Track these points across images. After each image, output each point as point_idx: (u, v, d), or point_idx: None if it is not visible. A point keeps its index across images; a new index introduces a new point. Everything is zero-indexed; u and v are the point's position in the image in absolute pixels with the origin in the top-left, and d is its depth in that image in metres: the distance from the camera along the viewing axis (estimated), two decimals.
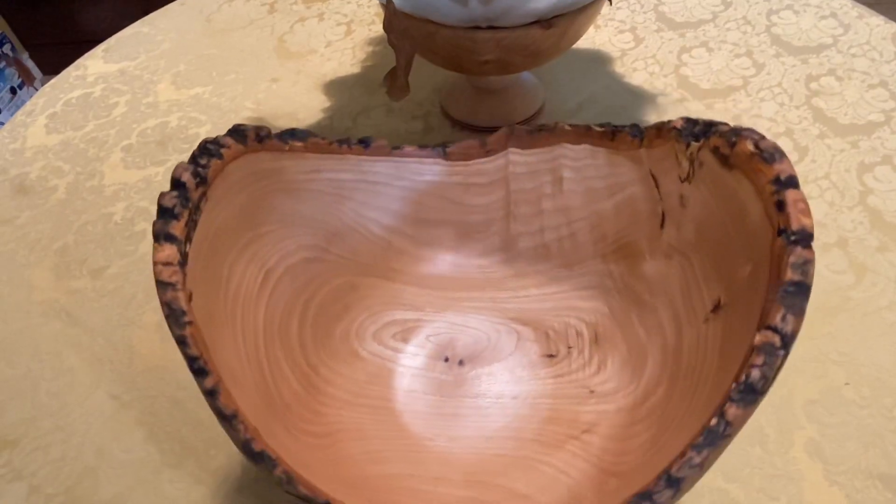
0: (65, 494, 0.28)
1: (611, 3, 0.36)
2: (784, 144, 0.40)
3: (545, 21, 0.32)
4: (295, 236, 0.28)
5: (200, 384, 0.18)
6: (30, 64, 1.35)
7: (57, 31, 1.38)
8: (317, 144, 0.27)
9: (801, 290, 0.17)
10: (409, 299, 0.31)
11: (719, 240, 0.23)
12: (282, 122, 0.45)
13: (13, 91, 1.28)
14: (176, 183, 0.21)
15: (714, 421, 0.17)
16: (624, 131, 0.26)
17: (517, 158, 0.28)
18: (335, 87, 0.48)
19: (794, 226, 0.18)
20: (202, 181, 0.22)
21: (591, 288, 0.29)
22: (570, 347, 0.29)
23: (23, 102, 1.29)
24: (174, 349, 0.33)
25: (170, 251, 0.20)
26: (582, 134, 0.27)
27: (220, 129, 0.45)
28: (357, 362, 0.29)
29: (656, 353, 0.25)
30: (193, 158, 0.22)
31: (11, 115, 1.26)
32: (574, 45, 0.48)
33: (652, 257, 0.27)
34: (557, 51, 0.35)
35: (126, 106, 0.48)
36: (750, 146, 0.20)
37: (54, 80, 0.52)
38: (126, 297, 0.36)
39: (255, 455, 0.18)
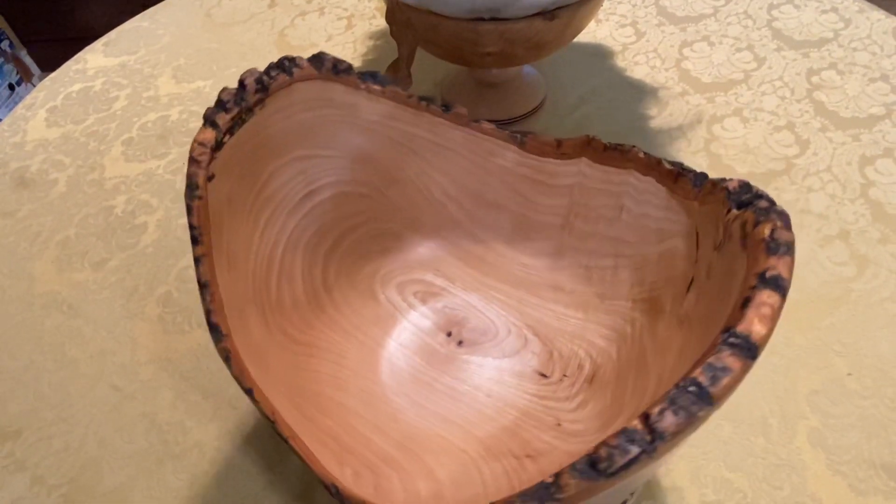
0: (68, 485, 0.28)
1: None
2: (785, 138, 0.40)
3: (548, 13, 0.32)
4: (353, 168, 0.29)
5: (193, 251, 0.22)
6: (28, 60, 1.34)
7: (55, 27, 1.38)
8: (395, 93, 0.27)
9: (700, 396, 0.15)
10: (445, 268, 0.31)
11: (717, 321, 0.21)
12: None
13: (11, 87, 1.27)
14: (240, 83, 0.23)
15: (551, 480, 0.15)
16: (688, 176, 0.23)
17: (588, 171, 0.27)
18: None
19: (741, 328, 0.16)
20: (263, 89, 0.24)
21: (612, 329, 0.28)
22: (564, 375, 0.28)
23: (21, 99, 1.29)
24: (177, 341, 0.33)
25: (209, 135, 0.22)
26: (652, 165, 0.25)
27: None
28: (370, 302, 0.30)
29: (629, 415, 0.24)
30: (267, 68, 0.24)
31: (10, 111, 1.25)
32: (575, 40, 0.48)
33: (669, 319, 0.25)
34: (560, 43, 0.35)
35: (126, 100, 0.48)
36: (766, 232, 0.18)
37: (54, 74, 0.52)
38: (128, 289, 0.36)
39: (210, 324, 0.21)
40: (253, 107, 0.24)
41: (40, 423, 0.31)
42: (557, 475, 0.15)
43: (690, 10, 0.50)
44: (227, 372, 0.32)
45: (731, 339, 0.16)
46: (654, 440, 0.14)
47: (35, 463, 0.29)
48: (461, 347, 0.29)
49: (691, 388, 0.15)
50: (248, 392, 0.20)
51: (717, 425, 0.28)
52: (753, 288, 0.17)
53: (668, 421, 0.14)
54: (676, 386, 0.15)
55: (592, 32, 0.49)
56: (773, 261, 0.17)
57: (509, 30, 0.32)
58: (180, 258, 0.37)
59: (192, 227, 0.21)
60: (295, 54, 0.50)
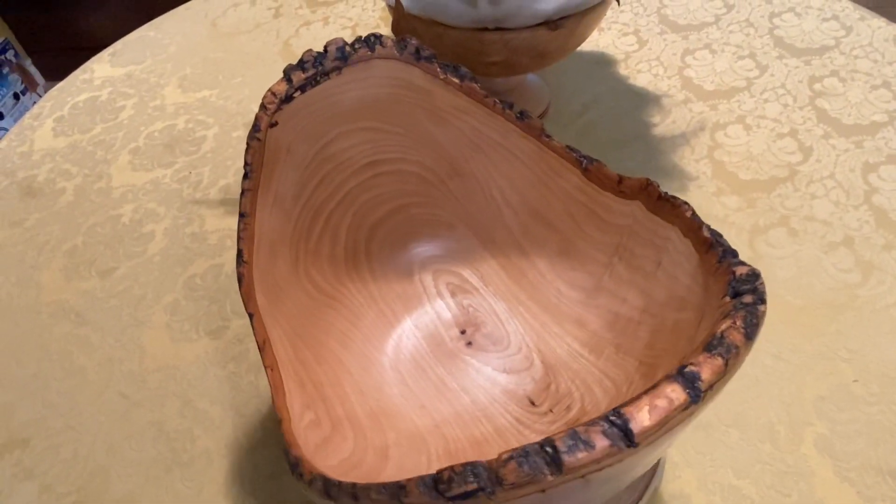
0: (76, 493, 0.29)
1: (619, 4, 0.37)
2: (788, 145, 0.40)
3: (552, 22, 0.32)
4: (420, 151, 0.29)
5: (242, 184, 0.24)
6: (32, 70, 1.35)
7: (60, 37, 1.39)
8: (472, 90, 0.27)
9: (552, 460, 0.14)
10: (484, 269, 0.31)
11: None
12: None
13: (16, 97, 1.28)
14: (324, 49, 0.25)
15: None
16: (717, 249, 0.21)
17: (640, 216, 0.26)
18: None
19: (627, 411, 0.15)
20: (342, 58, 0.25)
21: (613, 382, 0.27)
22: (550, 410, 0.27)
23: (25, 108, 1.29)
24: (184, 349, 0.33)
25: (281, 87, 0.24)
26: (693, 229, 0.23)
27: (227, 131, 0.46)
28: (405, 279, 0.31)
29: None
30: (353, 41, 0.26)
31: (14, 120, 1.26)
32: (579, 48, 0.49)
33: None
34: (564, 52, 0.35)
35: (133, 109, 0.49)
36: (720, 327, 0.17)
37: (61, 84, 0.52)
38: (135, 297, 0.36)
39: (238, 249, 0.24)
40: (329, 72, 0.25)
41: (48, 432, 0.31)
42: (409, 481, 0.15)
43: (692, 19, 0.50)
44: (234, 379, 0.32)
45: (613, 418, 0.14)
46: (494, 484, 0.14)
47: (43, 471, 0.29)
48: (468, 348, 0.29)
49: (547, 449, 0.14)
50: (250, 316, 0.23)
51: (724, 432, 0.28)
52: (669, 377, 0.15)
53: (511, 470, 0.14)
54: (540, 442, 0.14)
55: (595, 41, 0.49)
56: (702, 357, 0.16)
57: (513, 39, 0.32)
58: (187, 266, 0.37)
59: (246, 163, 0.24)
60: None
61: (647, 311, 0.26)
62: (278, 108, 0.25)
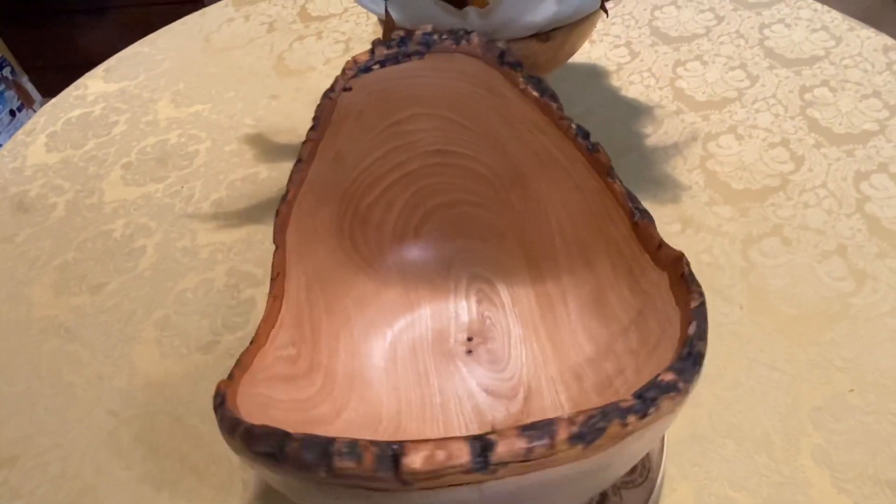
0: None
1: (606, 15, 0.37)
2: (780, 154, 0.40)
3: (543, 34, 0.32)
4: (490, 154, 0.29)
5: (307, 135, 0.26)
6: (29, 87, 1.35)
7: (56, 54, 1.39)
8: (549, 108, 0.26)
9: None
10: (518, 290, 0.31)
11: None
12: (282, 138, 0.46)
13: (12, 114, 1.28)
14: (409, 32, 0.26)
15: None
16: (685, 351, 0.18)
17: (663, 289, 0.24)
18: None
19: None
20: (426, 44, 0.26)
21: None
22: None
23: (22, 125, 1.30)
24: (174, 365, 0.33)
25: (363, 57, 0.26)
26: (687, 322, 0.21)
27: (220, 145, 0.46)
28: (441, 271, 0.31)
29: None
30: (442, 31, 0.26)
31: (11, 137, 1.26)
32: (571, 60, 0.49)
33: None
34: (555, 63, 0.35)
35: (126, 124, 0.49)
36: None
37: (55, 100, 0.52)
38: (126, 312, 0.36)
39: (287, 188, 0.25)
40: (411, 54, 0.26)
41: (36, 450, 0.30)
42: (295, 437, 0.15)
43: (683, 31, 0.50)
44: None
45: (393, 447, 0.14)
46: (326, 459, 0.14)
47: (30, 490, 0.29)
48: (467, 355, 0.29)
49: (358, 450, 0.14)
50: (276, 247, 0.24)
51: (720, 444, 0.28)
52: (467, 438, 0.14)
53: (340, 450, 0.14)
54: (372, 441, 0.14)
55: (587, 53, 0.49)
56: (514, 432, 0.14)
57: None
58: (178, 281, 0.37)
59: (315, 117, 0.26)
60: (293, 77, 0.51)
61: (632, 391, 0.25)
62: (355, 75, 0.26)
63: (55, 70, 1.41)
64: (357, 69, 0.26)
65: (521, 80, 0.26)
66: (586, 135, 0.25)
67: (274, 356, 0.22)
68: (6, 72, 1.24)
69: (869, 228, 0.35)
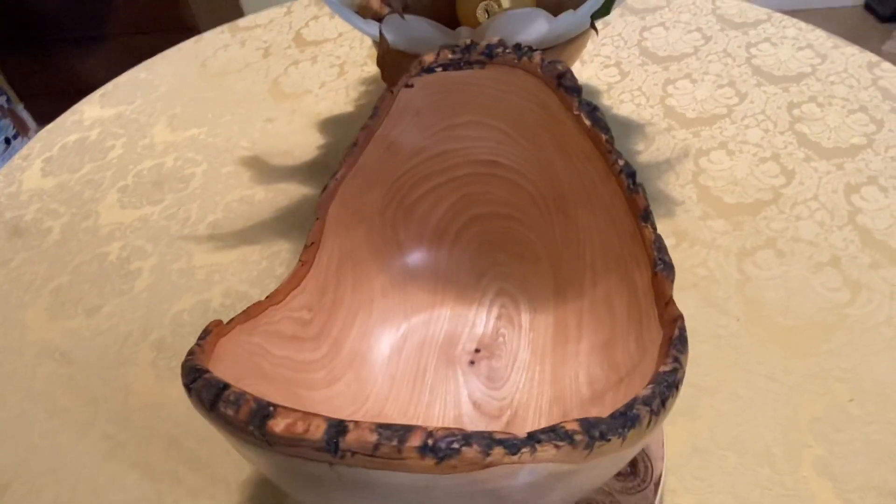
0: None
1: (597, 33, 0.37)
2: (770, 168, 0.40)
3: None
4: (539, 172, 0.30)
5: (366, 122, 0.27)
6: (24, 115, 1.36)
7: (52, 82, 1.40)
8: (598, 139, 0.26)
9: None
10: (539, 315, 0.30)
11: None
12: (278, 160, 0.46)
13: (7, 142, 1.28)
14: (473, 42, 0.27)
15: None
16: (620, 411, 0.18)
17: (656, 349, 0.24)
18: (330, 125, 0.49)
19: None
20: (488, 55, 0.27)
21: None
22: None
23: (17, 152, 1.30)
24: (170, 386, 0.33)
25: (428, 59, 0.27)
26: (654, 383, 0.21)
27: (216, 168, 0.46)
28: (472, 279, 0.32)
29: None
30: (507, 45, 0.27)
31: (6, 164, 1.26)
32: None
33: None
34: None
35: (122, 148, 0.49)
36: None
37: (51, 126, 0.53)
38: (121, 335, 0.35)
39: (340, 162, 0.28)
40: (473, 62, 0.27)
41: (30, 475, 0.30)
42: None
43: (672, 50, 0.51)
44: None
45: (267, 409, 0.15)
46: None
47: None
48: (468, 365, 0.29)
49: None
50: (316, 218, 0.26)
51: (721, 456, 0.28)
52: (330, 419, 0.15)
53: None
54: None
55: (578, 73, 0.50)
56: (364, 426, 0.15)
57: None
58: (174, 303, 0.37)
59: (375, 107, 0.27)
60: (288, 101, 0.52)
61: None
62: (418, 74, 0.27)
63: (51, 98, 1.42)
64: (421, 68, 0.27)
65: (576, 105, 0.26)
66: (631, 174, 0.25)
67: (285, 315, 0.23)
68: (1, 100, 1.25)
69: (861, 239, 0.36)
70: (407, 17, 0.31)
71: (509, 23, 0.31)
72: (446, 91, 0.28)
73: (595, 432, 0.16)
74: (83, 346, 0.35)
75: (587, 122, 0.26)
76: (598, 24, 0.40)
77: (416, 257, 0.32)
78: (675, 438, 0.28)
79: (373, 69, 0.54)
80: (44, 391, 0.33)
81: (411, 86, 0.27)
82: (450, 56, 0.27)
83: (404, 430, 0.14)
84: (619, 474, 0.26)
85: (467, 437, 0.14)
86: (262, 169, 0.45)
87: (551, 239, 0.31)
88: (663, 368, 0.19)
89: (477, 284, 0.32)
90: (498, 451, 0.14)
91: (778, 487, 0.26)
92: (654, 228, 0.24)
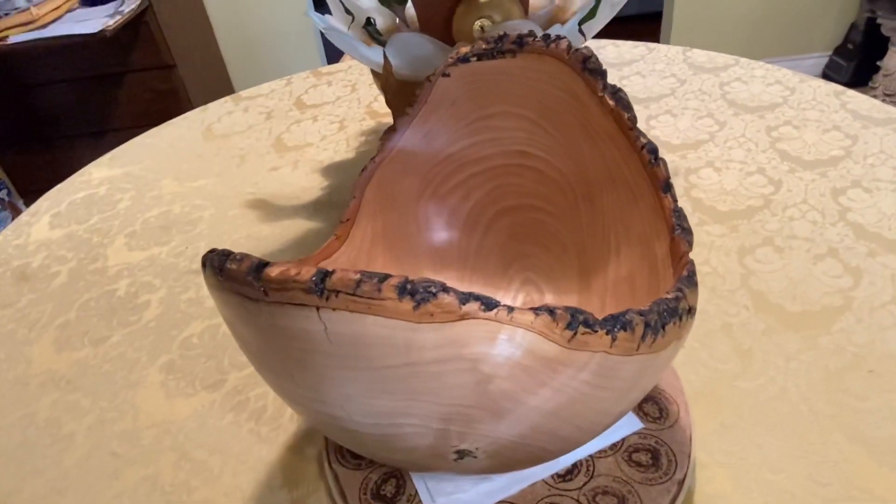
0: None
1: (585, 39, 0.40)
2: (757, 180, 0.42)
3: None
4: (566, 161, 0.30)
5: (407, 109, 0.29)
6: (24, 209, 1.39)
7: (53, 177, 1.44)
8: (620, 117, 0.26)
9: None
10: (563, 302, 0.31)
11: None
12: (283, 201, 0.47)
13: None
14: (504, 33, 0.28)
15: None
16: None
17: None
18: (332, 170, 0.50)
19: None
20: (519, 44, 0.28)
21: None
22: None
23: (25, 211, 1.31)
24: (181, 404, 0.32)
25: (464, 49, 0.28)
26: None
27: (223, 212, 0.47)
28: (500, 266, 0.32)
29: None
30: (535, 34, 0.28)
31: None
32: None
33: None
34: None
35: (130, 200, 0.50)
36: None
37: (60, 185, 0.54)
38: (129, 361, 0.35)
39: (387, 129, 0.30)
40: (505, 52, 0.28)
41: (31, 497, 0.28)
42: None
43: (650, 93, 0.55)
44: (234, 429, 0.30)
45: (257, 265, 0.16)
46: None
47: None
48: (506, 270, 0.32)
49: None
50: (353, 197, 0.28)
51: (750, 431, 0.27)
52: (319, 268, 0.17)
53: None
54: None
55: None
56: (355, 273, 0.16)
57: None
58: (183, 329, 0.37)
59: (415, 94, 0.29)
60: (291, 152, 0.54)
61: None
62: (454, 63, 0.28)
63: None
64: (457, 58, 0.28)
65: (600, 86, 0.27)
66: (653, 150, 0.26)
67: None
68: (3, 193, 1.28)
69: (855, 233, 0.37)
70: (408, 34, 0.33)
71: None
72: (480, 81, 0.29)
73: (580, 317, 0.16)
74: (90, 373, 0.34)
75: (611, 102, 0.27)
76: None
77: (446, 246, 0.32)
78: (701, 418, 0.28)
79: (372, 122, 0.57)
80: (48, 419, 0.32)
81: (448, 75, 0.29)
82: (484, 46, 0.28)
83: (385, 274, 0.15)
84: (639, 464, 0.25)
85: (445, 287, 0.15)
86: (268, 209, 0.47)
87: (577, 228, 0.31)
88: (666, 296, 0.19)
89: (504, 274, 0.32)
90: (474, 304, 0.15)
91: (812, 456, 0.26)
92: (675, 199, 0.24)
